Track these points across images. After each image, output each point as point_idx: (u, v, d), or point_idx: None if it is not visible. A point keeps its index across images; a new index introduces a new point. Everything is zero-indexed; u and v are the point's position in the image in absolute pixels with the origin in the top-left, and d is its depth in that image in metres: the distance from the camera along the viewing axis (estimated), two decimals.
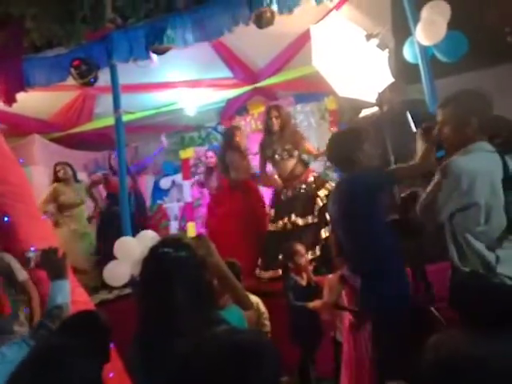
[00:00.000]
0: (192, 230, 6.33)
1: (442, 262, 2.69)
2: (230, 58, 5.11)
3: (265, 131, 4.33)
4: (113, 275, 3.77)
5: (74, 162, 5.43)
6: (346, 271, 2.60)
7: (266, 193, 4.81)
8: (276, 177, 4.25)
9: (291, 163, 4.19)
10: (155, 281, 1.36)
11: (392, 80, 3.70)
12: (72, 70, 3.99)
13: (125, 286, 3.81)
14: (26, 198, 2.63)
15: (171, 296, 1.31)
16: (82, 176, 6.18)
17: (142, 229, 4.18)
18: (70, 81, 4.13)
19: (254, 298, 2.71)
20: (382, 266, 2.14)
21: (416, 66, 3.76)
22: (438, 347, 1.07)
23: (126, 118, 4.40)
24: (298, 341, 2.87)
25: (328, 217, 3.81)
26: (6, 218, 2.50)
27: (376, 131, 2.53)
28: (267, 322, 2.81)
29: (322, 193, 4.14)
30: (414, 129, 2.43)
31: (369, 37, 3.59)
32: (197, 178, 6.35)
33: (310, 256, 3.85)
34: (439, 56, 3.71)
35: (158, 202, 6.77)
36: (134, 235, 3.88)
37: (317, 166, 5.47)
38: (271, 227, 4.22)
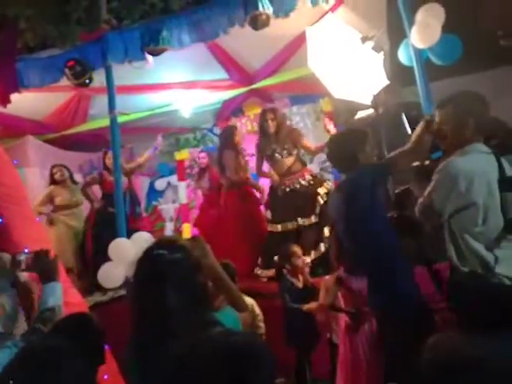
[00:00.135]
0: (187, 231, 6.32)
1: (439, 263, 2.71)
2: (226, 60, 5.11)
3: (260, 133, 4.34)
4: (107, 277, 3.75)
5: (69, 163, 5.41)
6: (343, 273, 2.60)
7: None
8: (273, 172, 4.24)
9: (290, 161, 4.22)
10: (149, 282, 1.35)
11: (387, 82, 3.72)
12: (66, 70, 3.97)
13: (119, 287, 3.79)
14: (20, 200, 2.61)
15: (165, 298, 1.31)
16: (77, 177, 6.15)
17: (135, 231, 4.15)
18: (65, 82, 4.12)
19: (249, 300, 2.70)
20: (388, 265, 2.13)
21: (411, 68, 3.78)
22: (435, 348, 1.07)
23: (121, 119, 4.38)
24: (294, 343, 2.87)
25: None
26: None
27: (371, 133, 2.53)
28: (262, 324, 2.81)
29: (322, 191, 4.15)
30: (409, 131, 2.44)
31: (364, 39, 3.61)
32: (189, 181, 6.32)
33: (313, 255, 3.87)
34: (434, 59, 3.72)
35: (154, 203, 6.76)
36: (127, 237, 3.86)
37: (312, 167, 5.49)
38: (271, 227, 4.20)
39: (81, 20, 4.03)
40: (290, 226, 4.08)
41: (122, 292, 3.83)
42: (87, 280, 4.41)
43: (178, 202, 6.65)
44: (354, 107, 4.34)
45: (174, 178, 6.76)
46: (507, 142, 2.08)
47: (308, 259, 3.81)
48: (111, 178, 4.55)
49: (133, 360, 1.35)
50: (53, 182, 5.00)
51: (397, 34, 4.07)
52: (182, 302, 1.32)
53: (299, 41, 4.51)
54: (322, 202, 4.03)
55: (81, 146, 6.45)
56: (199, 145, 6.77)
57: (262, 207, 4.70)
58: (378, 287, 2.15)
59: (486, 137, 1.97)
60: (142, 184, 6.68)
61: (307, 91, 5.56)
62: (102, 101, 4.54)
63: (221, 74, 5.33)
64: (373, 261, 2.16)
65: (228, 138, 4.72)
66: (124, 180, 4.97)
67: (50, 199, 4.91)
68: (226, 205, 4.80)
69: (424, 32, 3.59)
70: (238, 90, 5.68)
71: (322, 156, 5.40)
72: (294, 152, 4.22)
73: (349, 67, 3.63)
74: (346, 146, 2.31)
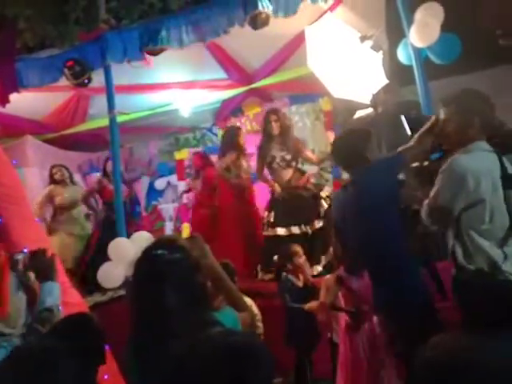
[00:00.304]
0: (187, 231, 6.32)
1: (440, 262, 2.71)
2: (225, 59, 5.11)
3: (264, 135, 4.30)
4: (107, 277, 3.75)
5: (68, 163, 5.41)
6: (343, 272, 2.60)
7: (263, 192, 4.78)
8: (276, 185, 4.22)
9: (289, 173, 4.19)
10: (148, 282, 1.35)
11: (386, 81, 3.72)
12: (66, 70, 3.97)
13: (119, 287, 3.79)
14: (19, 200, 2.61)
15: (164, 298, 1.31)
16: (76, 177, 6.15)
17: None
18: (64, 81, 4.11)
19: (247, 300, 2.70)
20: (399, 260, 2.13)
21: (410, 67, 3.78)
22: (437, 347, 1.07)
23: (120, 118, 4.38)
24: (295, 342, 2.87)
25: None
26: None
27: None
28: (260, 324, 2.81)
29: (324, 194, 4.15)
30: (408, 131, 2.44)
31: (363, 38, 3.61)
32: (189, 180, 6.29)
33: (323, 260, 3.86)
34: (433, 58, 3.73)
35: (153, 202, 6.76)
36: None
37: (312, 167, 5.48)
38: (272, 231, 4.16)
39: (79, 20, 4.02)
40: (294, 230, 4.04)
41: (122, 292, 3.83)
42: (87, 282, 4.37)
43: (178, 201, 6.65)
44: (353, 106, 4.34)
45: (173, 178, 6.75)
46: (506, 142, 2.08)
47: (319, 267, 3.81)
48: (111, 186, 4.54)
49: (132, 360, 1.35)
50: (52, 181, 5.00)
51: (396, 33, 4.07)
52: (182, 302, 1.32)
53: (298, 40, 4.51)
54: (326, 205, 4.03)
55: (80, 146, 6.44)
56: (199, 144, 6.77)
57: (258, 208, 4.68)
58: (388, 283, 2.13)
59: (488, 136, 1.98)
60: (141, 184, 6.68)
61: (306, 90, 5.55)
62: (101, 100, 4.53)
63: (220, 73, 5.33)
64: (383, 256, 2.15)
65: (232, 139, 4.70)
66: (124, 188, 5.00)
67: (49, 199, 4.91)
68: (225, 205, 4.80)
69: (423, 31, 3.59)
70: (238, 90, 5.68)
71: None
72: (293, 164, 4.20)
73: (348, 66, 3.64)
74: (354, 145, 2.30)
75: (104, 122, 4.50)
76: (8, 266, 2.32)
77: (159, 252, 1.38)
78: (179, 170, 6.69)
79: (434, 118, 2.10)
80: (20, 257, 1.95)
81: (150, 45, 3.85)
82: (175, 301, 1.31)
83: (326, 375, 2.90)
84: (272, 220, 4.18)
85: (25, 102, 4.57)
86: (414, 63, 3.73)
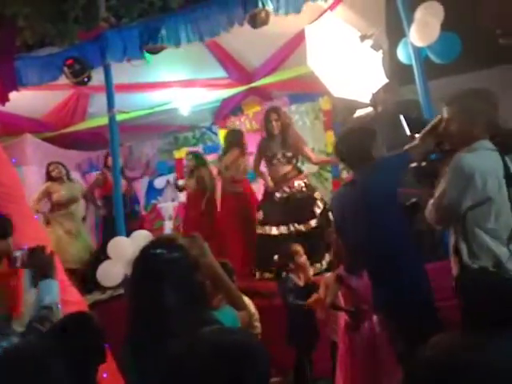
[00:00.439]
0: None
1: (439, 261, 2.71)
2: (225, 58, 5.11)
3: (265, 134, 4.30)
4: (106, 275, 3.75)
5: (68, 162, 5.40)
6: (343, 271, 2.60)
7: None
8: (269, 179, 4.24)
9: (287, 168, 4.19)
10: (147, 281, 1.35)
11: (386, 81, 3.72)
12: (65, 69, 3.96)
13: (118, 286, 3.79)
14: (18, 199, 2.61)
15: (163, 297, 1.30)
16: (76, 175, 6.14)
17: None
18: (64, 80, 4.11)
19: (246, 300, 2.70)
20: (398, 261, 2.13)
21: (410, 67, 3.78)
22: (437, 346, 1.07)
23: (119, 117, 4.37)
24: (295, 341, 2.87)
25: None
26: None
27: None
28: (257, 324, 2.81)
29: (318, 195, 4.15)
30: (407, 131, 2.44)
31: (363, 38, 3.61)
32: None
33: (327, 258, 3.86)
34: (433, 57, 3.72)
35: (153, 201, 6.75)
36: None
37: (311, 166, 5.48)
38: (261, 229, 4.16)
39: (79, 18, 4.01)
40: (286, 229, 4.04)
41: (121, 290, 3.83)
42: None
43: (177, 200, 6.64)
44: (353, 106, 4.34)
45: (173, 177, 6.75)
46: (507, 141, 2.08)
47: (318, 265, 3.81)
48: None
49: (130, 359, 1.35)
50: (49, 179, 5.00)
51: (396, 32, 4.06)
52: (180, 301, 1.31)
53: (298, 39, 4.51)
54: (322, 206, 4.03)
55: (79, 145, 6.44)
56: (198, 143, 6.77)
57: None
58: (388, 282, 2.13)
59: (491, 135, 1.98)
60: (141, 182, 6.68)
61: (306, 90, 5.55)
62: (100, 99, 4.53)
63: (220, 72, 5.33)
64: (385, 255, 2.14)
65: (236, 138, 4.73)
66: (124, 183, 5.01)
67: (46, 195, 4.90)
68: (223, 204, 4.80)
69: (423, 30, 3.58)
70: (237, 89, 5.68)
71: None
72: (293, 161, 4.21)
73: (348, 66, 3.63)
74: (361, 143, 2.29)
75: (103, 120, 4.50)
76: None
77: (158, 251, 1.38)
78: (178, 169, 6.69)
79: (438, 117, 2.10)
80: (19, 254, 1.94)
81: (150, 43, 3.85)
82: (174, 300, 1.31)
83: (325, 374, 2.90)
84: (262, 218, 4.19)
85: (24, 101, 4.57)
86: (413, 62, 3.72)
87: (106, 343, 1.69)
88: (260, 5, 3.60)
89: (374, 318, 2.47)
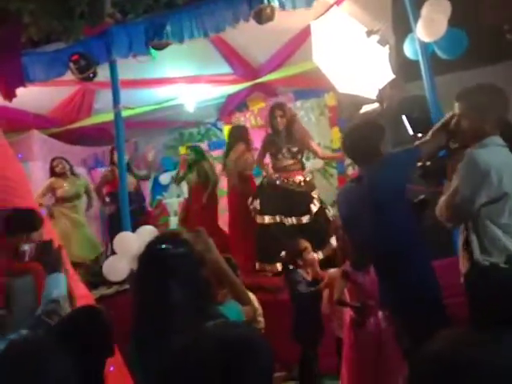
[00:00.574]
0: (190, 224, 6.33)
1: (447, 258, 2.70)
2: (230, 54, 5.10)
3: (271, 130, 4.30)
4: (112, 270, 3.77)
5: (73, 158, 5.44)
6: (349, 267, 2.61)
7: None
8: (270, 168, 4.25)
9: (290, 161, 4.20)
10: (152, 276, 1.35)
11: (392, 76, 3.69)
12: (71, 64, 3.97)
13: (124, 281, 3.81)
14: (24, 193, 2.63)
15: (168, 292, 1.31)
16: (82, 171, 6.17)
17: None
18: (69, 76, 4.12)
19: (250, 295, 2.71)
20: (406, 257, 2.12)
21: (416, 62, 3.75)
22: (442, 341, 1.06)
23: (125, 113, 4.38)
24: (301, 336, 2.87)
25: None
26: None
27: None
28: (261, 319, 2.82)
29: (315, 193, 4.14)
30: (410, 132, 2.43)
31: (369, 33, 3.58)
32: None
33: (321, 255, 3.87)
34: (439, 53, 3.69)
35: (158, 197, 6.77)
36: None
37: (316, 162, 5.47)
38: (259, 219, 4.18)
39: (84, 14, 4.01)
40: (279, 219, 4.06)
41: (127, 285, 3.85)
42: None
43: (183, 196, 6.66)
44: (359, 102, 4.32)
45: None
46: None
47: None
48: None
49: (135, 354, 1.35)
50: (53, 174, 5.03)
51: (402, 27, 4.04)
52: (186, 296, 1.32)
53: (304, 35, 4.49)
54: (318, 205, 4.03)
55: (85, 140, 6.46)
56: (203, 139, 6.77)
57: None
58: (396, 279, 2.13)
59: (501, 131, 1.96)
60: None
61: (312, 85, 5.53)
62: (106, 95, 4.54)
63: (225, 68, 5.32)
64: (393, 251, 2.14)
65: (242, 133, 4.74)
66: (133, 181, 5.02)
67: (50, 191, 4.94)
68: (230, 199, 4.80)
69: (430, 26, 3.55)
70: (242, 85, 5.67)
71: None
72: (298, 156, 4.22)
73: (354, 61, 3.61)
74: (368, 138, 2.27)
75: (109, 116, 4.51)
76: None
77: (163, 246, 1.38)
78: (184, 165, 6.69)
79: (451, 113, 2.08)
80: (27, 248, 1.96)
81: (156, 39, 3.84)
82: (179, 295, 1.31)
83: (330, 370, 2.91)
84: (258, 207, 4.20)
85: (30, 97, 4.58)
86: (420, 58, 3.69)
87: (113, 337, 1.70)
88: (265, 1, 3.59)
89: (380, 313, 2.47)
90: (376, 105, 4.00)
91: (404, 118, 2.44)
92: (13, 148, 2.95)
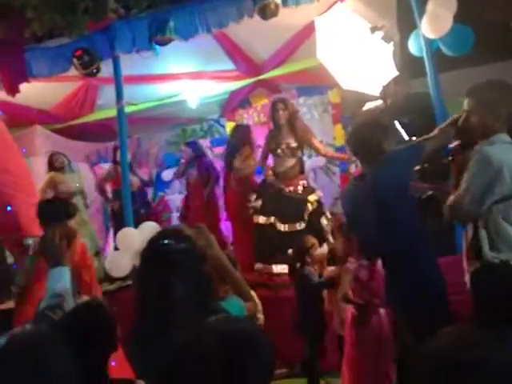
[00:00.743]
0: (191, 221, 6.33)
1: (451, 256, 2.69)
2: (233, 50, 5.08)
3: (272, 125, 4.29)
4: (115, 266, 3.78)
5: (76, 153, 5.45)
6: (353, 264, 2.60)
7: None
8: (270, 172, 4.23)
9: (291, 162, 4.16)
10: (154, 272, 1.35)
11: (396, 73, 3.67)
12: (74, 60, 3.97)
13: (126, 277, 3.82)
14: (26, 188, 2.64)
15: (170, 287, 1.31)
16: (85, 167, 6.19)
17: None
18: (73, 71, 4.12)
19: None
20: (412, 254, 2.12)
21: (421, 59, 3.73)
22: (445, 338, 1.06)
23: (128, 109, 4.38)
24: (306, 331, 2.87)
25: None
26: (8, 208, 2.51)
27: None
28: (260, 315, 2.82)
29: (312, 198, 4.12)
30: (404, 136, 2.42)
31: (374, 29, 3.56)
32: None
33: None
34: (444, 50, 3.67)
35: (160, 193, 6.78)
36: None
37: (319, 160, 5.46)
38: (255, 219, 4.18)
39: (88, 9, 4.00)
40: (272, 221, 4.07)
41: (130, 281, 3.86)
42: None
43: (185, 192, 6.66)
44: (363, 98, 4.30)
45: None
46: None
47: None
48: None
49: (137, 349, 1.36)
50: (52, 169, 5.02)
51: (407, 24, 4.02)
52: (188, 292, 1.32)
53: (308, 31, 4.46)
54: (310, 208, 4.02)
55: (88, 136, 6.47)
56: (206, 136, 6.76)
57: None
58: (402, 275, 2.12)
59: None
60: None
61: (315, 82, 5.51)
62: (109, 91, 4.54)
63: (228, 64, 5.31)
64: (398, 248, 2.13)
65: (247, 135, 4.71)
66: (136, 181, 5.02)
67: (52, 186, 4.91)
68: (231, 199, 4.80)
69: (435, 22, 3.53)
70: (245, 81, 5.66)
71: None
72: (299, 154, 4.18)
73: (358, 58, 3.59)
74: (372, 136, 2.27)
75: (112, 112, 4.51)
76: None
77: (165, 242, 1.38)
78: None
79: (455, 115, 2.06)
80: (30, 242, 1.96)
81: (159, 35, 3.84)
82: (181, 290, 1.31)
83: (331, 368, 2.90)
84: (258, 207, 4.20)
85: (33, 92, 4.59)
86: (425, 55, 3.67)
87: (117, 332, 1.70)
88: None
89: (382, 311, 2.47)
90: (380, 102, 3.98)
91: (396, 122, 2.44)
92: (16, 143, 2.95)
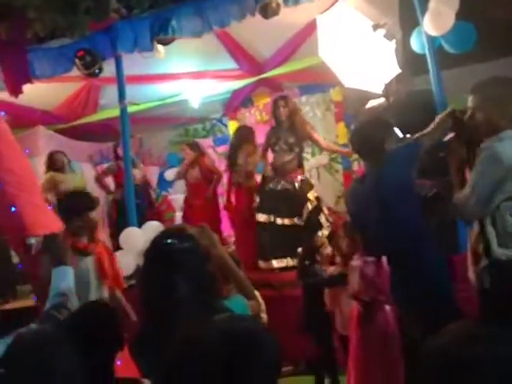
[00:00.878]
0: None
1: (457, 254, 2.68)
2: (235, 49, 5.08)
3: (274, 122, 4.33)
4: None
5: (79, 153, 5.45)
6: (357, 262, 2.60)
7: None
8: (269, 167, 4.26)
9: (288, 157, 4.18)
10: (158, 271, 1.36)
11: (399, 71, 3.67)
12: (77, 60, 3.97)
13: (130, 276, 3.82)
14: (30, 188, 2.64)
15: (174, 287, 1.31)
16: (88, 167, 6.19)
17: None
18: (75, 72, 4.12)
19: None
20: (417, 249, 2.11)
21: (423, 56, 3.72)
22: (450, 334, 1.05)
23: (130, 109, 4.39)
24: (313, 332, 2.87)
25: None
26: (13, 208, 2.51)
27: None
28: (264, 315, 2.82)
29: (311, 196, 4.13)
30: (399, 134, 2.42)
31: (376, 27, 3.56)
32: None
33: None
34: (447, 47, 3.65)
35: (163, 193, 6.79)
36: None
37: (322, 158, 5.45)
38: (259, 217, 4.19)
39: (89, 10, 4.01)
40: (272, 219, 4.09)
41: (133, 281, 3.86)
42: None
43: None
44: (365, 96, 4.29)
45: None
46: None
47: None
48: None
49: (141, 348, 1.36)
50: (52, 168, 4.99)
51: (409, 21, 4.00)
52: (191, 291, 1.32)
53: (309, 29, 4.46)
54: (310, 207, 4.03)
55: (91, 136, 6.48)
56: (208, 135, 6.77)
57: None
58: (408, 272, 2.12)
59: None
60: (152, 175, 6.70)
61: (317, 80, 5.51)
62: (111, 91, 4.54)
63: (230, 63, 5.30)
64: (404, 246, 2.12)
65: (249, 134, 4.73)
66: (140, 173, 5.03)
67: (52, 186, 4.88)
68: (236, 197, 4.80)
69: (436, 20, 3.52)
70: (248, 80, 5.65)
71: None
72: (296, 149, 4.19)
73: (360, 56, 3.59)
74: (375, 134, 2.27)
75: (115, 112, 4.52)
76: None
77: (169, 241, 1.38)
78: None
79: (452, 106, 2.05)
80: (33, 241, 1.97)
81: (161, 34, 3.84)
82: (185, 289, 1.32)
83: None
84: (258, 204, 4.23)
85: (36, 93, 4.60)
86: (427, 52, 3.66)
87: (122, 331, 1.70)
88: None
89: (387, 308, 2.47)
90: (382, 100, 3.97)
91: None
92: (19, 144, 2.96)
